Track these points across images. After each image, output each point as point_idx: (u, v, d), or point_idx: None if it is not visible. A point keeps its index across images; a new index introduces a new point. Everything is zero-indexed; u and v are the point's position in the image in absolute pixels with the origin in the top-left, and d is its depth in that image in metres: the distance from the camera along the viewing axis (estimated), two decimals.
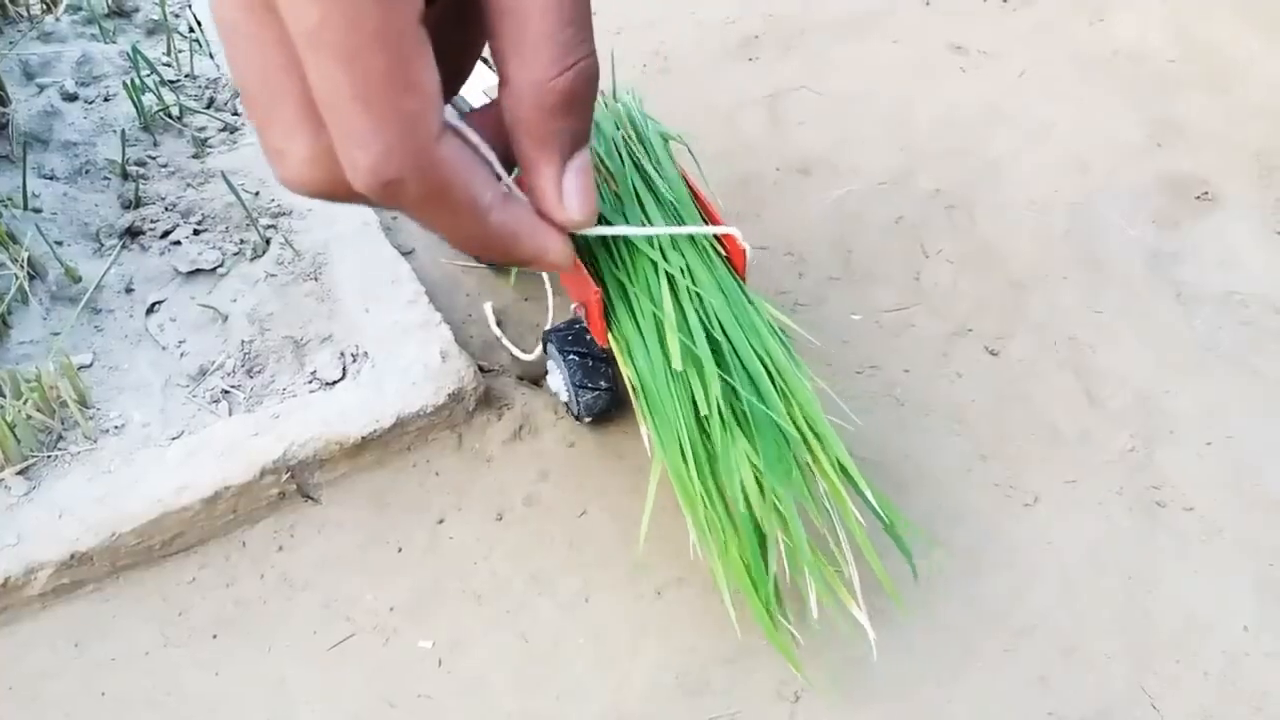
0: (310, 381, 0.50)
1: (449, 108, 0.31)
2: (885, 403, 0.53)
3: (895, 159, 0.67)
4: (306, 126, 0.29)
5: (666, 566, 0.46)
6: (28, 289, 0.52)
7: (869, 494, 0.40)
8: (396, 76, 0.27)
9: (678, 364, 0.40)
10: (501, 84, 0.31)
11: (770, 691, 0.42)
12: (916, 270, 0.60)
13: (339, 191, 0.30)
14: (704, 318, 0.41)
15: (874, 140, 0.68)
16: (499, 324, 0.55)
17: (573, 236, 0.35)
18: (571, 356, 0.47)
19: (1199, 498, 0.49)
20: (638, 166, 0.46)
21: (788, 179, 0.65)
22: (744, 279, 0.43)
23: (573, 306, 0.43)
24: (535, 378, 0.53)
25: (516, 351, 0.53)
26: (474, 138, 0.31)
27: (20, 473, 0.45)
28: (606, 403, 0.49)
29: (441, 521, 0.48)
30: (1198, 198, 0.64)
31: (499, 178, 0.32)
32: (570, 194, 0.33)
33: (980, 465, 0.50)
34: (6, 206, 0.55)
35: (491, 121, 0.32)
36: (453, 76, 0.34)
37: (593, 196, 0.34)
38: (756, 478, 0.39)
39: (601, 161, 0.46)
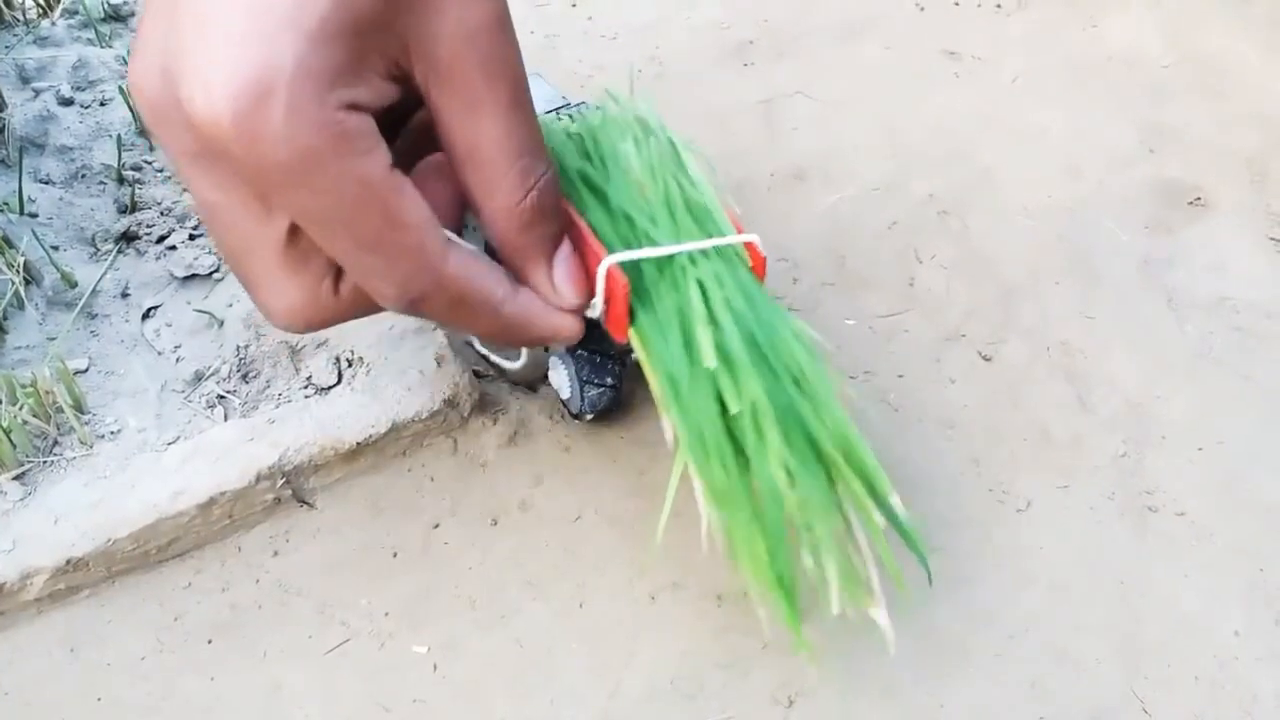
0: (306, 387, 0.50)
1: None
2: (879, 408, 0.53)
3: (889, 165, 0.67)
4: (284, 275, 0.34)
5: (661, 571, 0.46)
6: (24, 294, 0.52)
7: (895, 500, 0.40)
8: (389, 224, 0.31)
9: (710, 361, 0.39)
10: (476, 213, 0.36)
11: (766, 695, 0.42)
12: (910, 276, 0.60)
13: (327, 323, 0.35)
14: (735, 317, 0.41)
15: (868, 146, 0.69)
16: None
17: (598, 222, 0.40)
18: (580, 351, 0.48)
19: (1190, 503, 0.49)
20: (663, 170, 0.46)
21: (782, 185, 0.66)
22: (763, 283, 0.43)
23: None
24: (530, 383, 0.53)
25: (499, 359, 0.52)
26: (471, 248, 0.35)
27: (16, 478, 0.45)
28: (610, 400, 0.49)
29: (437, 526, 0.48)
30: (1190, 204, 0.65)
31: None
32: (562, 284, 0.38)
33: (973, 470, 0.50)
34: (2, 212, 0.55)
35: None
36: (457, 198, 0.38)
37: (582, 279, 0.38)
38: (788, 478, 0.39)
39: (629, 161, 0.46)
